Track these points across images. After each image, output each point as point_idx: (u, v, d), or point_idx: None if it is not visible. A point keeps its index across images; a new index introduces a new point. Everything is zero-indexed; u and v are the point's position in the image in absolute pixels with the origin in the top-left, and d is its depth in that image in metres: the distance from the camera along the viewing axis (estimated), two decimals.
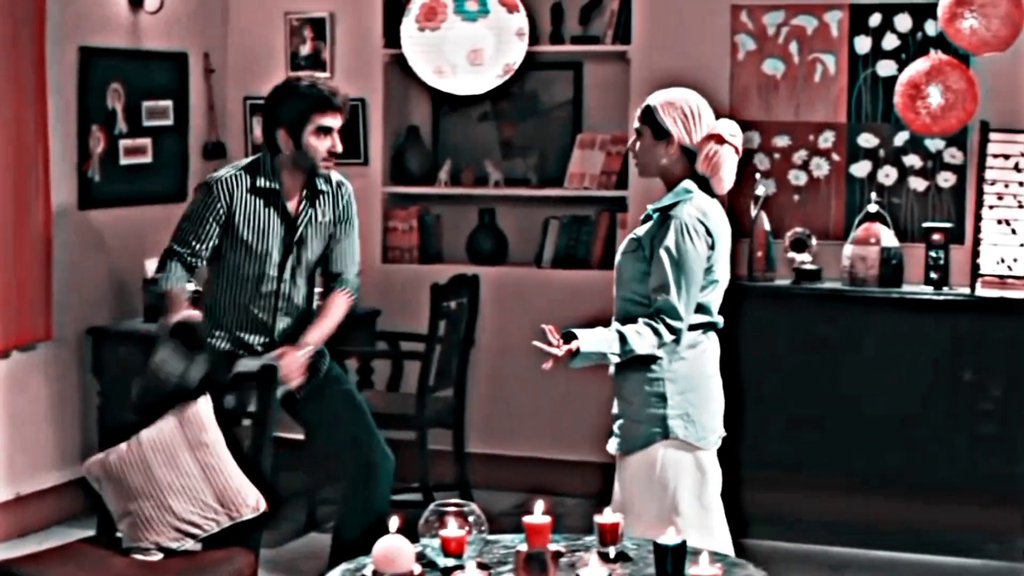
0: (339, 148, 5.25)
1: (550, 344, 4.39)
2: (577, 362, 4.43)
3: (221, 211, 5.21)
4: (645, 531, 4.40)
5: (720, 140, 4.52)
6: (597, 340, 4.44)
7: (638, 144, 4.65)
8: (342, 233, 5.42)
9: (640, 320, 4.47)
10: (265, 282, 5.29)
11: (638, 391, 4.54)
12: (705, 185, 4.57)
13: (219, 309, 5.35)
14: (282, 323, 5.35)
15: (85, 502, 6.98)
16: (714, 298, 4.60)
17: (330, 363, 5.47)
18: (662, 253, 4.46)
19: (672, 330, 4.45)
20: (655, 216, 4.57)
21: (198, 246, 5.25)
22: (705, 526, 4.49)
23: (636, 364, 4.51)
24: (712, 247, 4.52)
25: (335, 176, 5.39)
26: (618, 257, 4.66)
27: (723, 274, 4.62)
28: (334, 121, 5.22)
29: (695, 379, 4.56)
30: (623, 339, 4.43)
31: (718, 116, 4.66)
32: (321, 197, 5.34)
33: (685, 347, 4.53)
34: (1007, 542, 6.71)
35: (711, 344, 4.64)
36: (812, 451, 6.89)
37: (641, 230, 4.60)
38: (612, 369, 4.59)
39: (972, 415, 6.70)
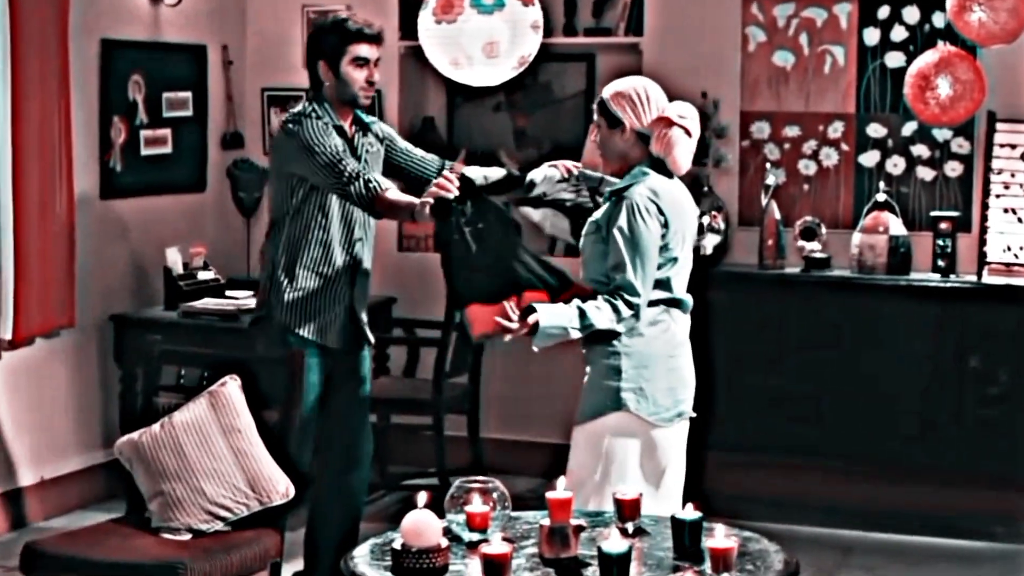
0: (376, 78, 5.37)
1: (510, 319, 4.53)
2: (539, 339, 4.54)
3: (332, 132, 5.27)
4: (586, 500, 4.56)
5: (669, 123, 4.64)
6: (557, 315, 4.55)
7: (597, 136, 4.80)
8: (399, 144, 5.58)
9: (600, 297, 4.60)
10: (345, 213, 5.37)
11: (597, 363, 4.67)
12: (665, 167, 4.70)
13: (300, 251, 5.35)
14: (363, 252, 5.45)
15: (107, 486, 7.12)
16: (674, 275, 4.70)
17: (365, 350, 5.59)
18: (616, 233, 4.59)
19: (630, 305, 4.57)
20: (613, 199, 4.71)
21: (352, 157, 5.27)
22: (650, 501, 4.52)
23: (600, 339, 4.64)
24: (665, 225, 4.63)
25: (366, 116, 5.52)
26: (581, 240, 4.80)
27: (683, 252, 4.73)
28: (370, 52, 5.34)
29: (652, 355, 4.66)
30: (583, 314, 4.55)
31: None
32: (368, 131, 5.47)
33: (645, 323, 4.64)
34: (1012, 525, 6.81)
35: (674, 323, 4.73)
36: (820, 436, 6.99)
37: (599, 213, 4.74)
38: (583, 348, 4.73)
39: (978, 400, 6.81)
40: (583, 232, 4.81)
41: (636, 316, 4.60)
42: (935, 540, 6.73)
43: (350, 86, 5.32)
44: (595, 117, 4.81)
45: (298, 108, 5.39)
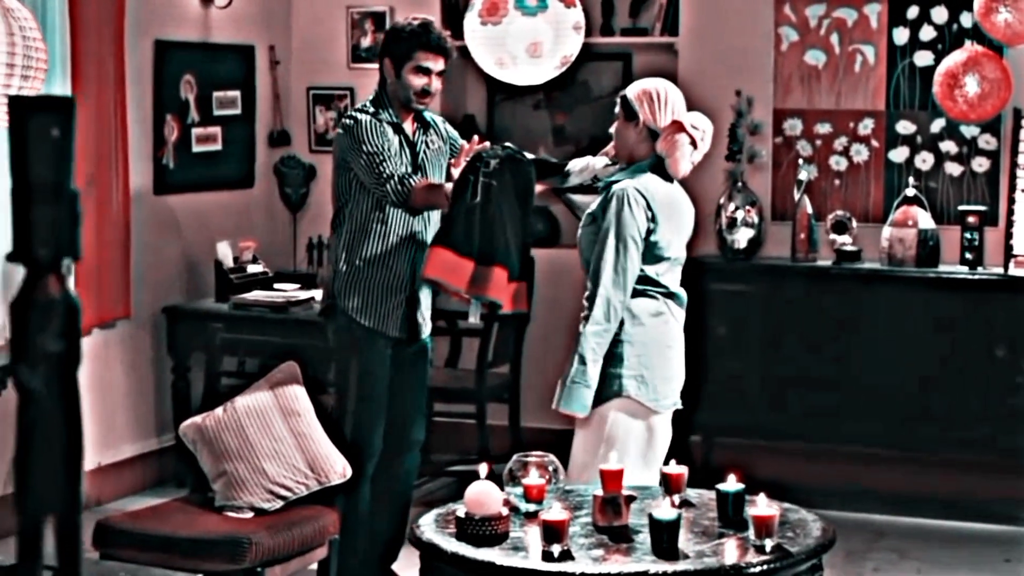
0: (433, 89, 5.52)
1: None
2: (571, 407, 4.79)
3: (386, 136, 5.46)
4: (589, 483, 4.72)
5: (680, 128, 4.84)
6: (567, 393, 4.80)
7: (614, 125, 5.02)
8: (460, 144, 5.74)
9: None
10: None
11: None
12: (665, 169, 4.90)
13: (360, 243, 5.53)
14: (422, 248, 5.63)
15: (159, 472, 7.34)
16: (663, 272, 4.89)
17: (429, 337, 5.81)
18: (604, 223, 4.81)
19: (589, 297, 4.79)
20: (607, 191, 4.92)
21: (397, 163, 5.42)
22: (646, 483, 4.72)
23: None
24: (653, 220, 4.81)
25: (431, 115, 5.71)
26: (579, 231, 5.01)
27: (675, 252, 4.91)
28: (434, 64, 5.50)
29: (653, 345, 4.85)
30: (581, 360, 4.76)
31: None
32: (430, 129, 5.66)
33: (647, 314, 4.84)
34: None
35: (672, 316, 4.92)
36: (852, 423, 7.12)
37: (595, 204, 4.95)
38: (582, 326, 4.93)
39: (1005, 389, 6.91)
40: (580, 224, 5.01)
41: (590, 299, 4.79)
42: (965, 524, 6.88)
43: (407, 89, 5.50)
44: (616, 109, 5.03)
45: (361, 103, 5.61)
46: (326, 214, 8.01)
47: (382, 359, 5.56)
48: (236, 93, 7.92)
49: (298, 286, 7.58)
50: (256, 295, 7.34)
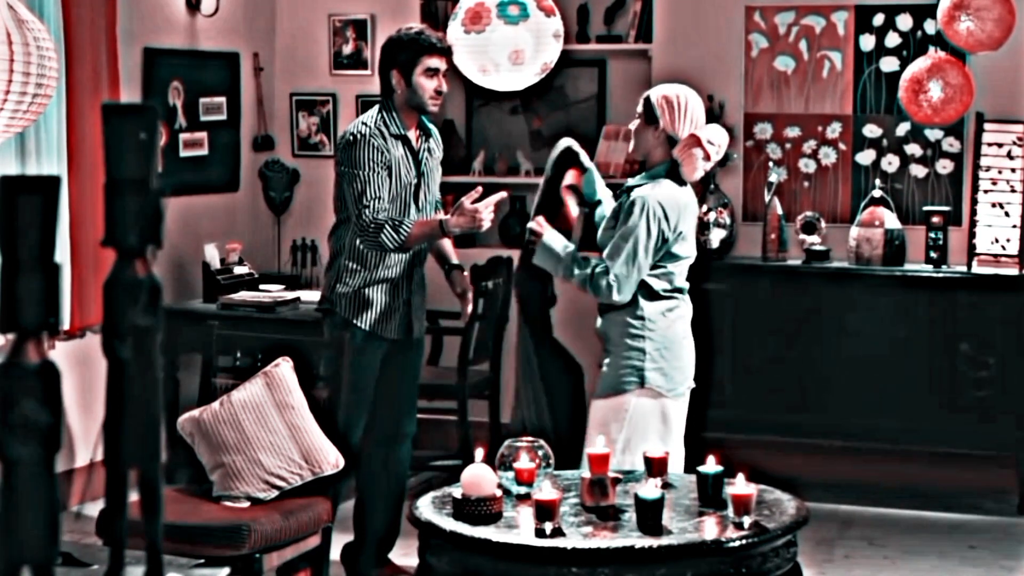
0: (445, 88, 5.71)
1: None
2: (538, 257, 5.19)
3: (383, 157, 5.60)
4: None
5: (697, 143, 5.08)
6: (557, 242, 5.17)
7: (634, 124, 5.26)
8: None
9: (598, 264, 5.11)
10: (406, 216, 5.68)
11: (620, 343, 5.12)
12: (678, 171, 5.16)
13: (359, 251, 5.69)
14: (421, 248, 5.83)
15: None
16: (676, 269, 5.17)
17: (422, 334, 6.00)
18: (623, 226, 5.07)
19: (607, 287, 5.06)
20: (627, 195, 5.18)
21: (385, 195, 5.59)
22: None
23: (619, 320, 5.11)
24: (672, 229, 5.08)
25: (430, 124, 5.88)
26: (599, 234, 5.26)
27: (688, 250, 5.19)
28: (440, 64, 5.68)
29: (670, 338, 5.13)
30: (575, 260, 5.13)
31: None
32: (432, 138, 5.84)
33: (662, 310, 5.12)
34: (1002, 499, 7.17)
35: (684, 309, 5.21)
36: (821, 417, 7.31)
37: (615, 204, 5.22)
38: (599, 323, 5.19)
39: (969, 383, 7.10)
40: (601, 227, 5.24)
41: (608, 296, 5.09)
42: (930, 513, 7.06)
43: (421, 94, 5.66)
44: (638, 109, 5.24)
45: (365, 117, 5.72)
46: (309, 217, 8.25)
47: (374, 359, 5.74)
48: (222, 99, 8.09)
49: (283, 287, 7.75)
50: (243, 296, 7.51)
